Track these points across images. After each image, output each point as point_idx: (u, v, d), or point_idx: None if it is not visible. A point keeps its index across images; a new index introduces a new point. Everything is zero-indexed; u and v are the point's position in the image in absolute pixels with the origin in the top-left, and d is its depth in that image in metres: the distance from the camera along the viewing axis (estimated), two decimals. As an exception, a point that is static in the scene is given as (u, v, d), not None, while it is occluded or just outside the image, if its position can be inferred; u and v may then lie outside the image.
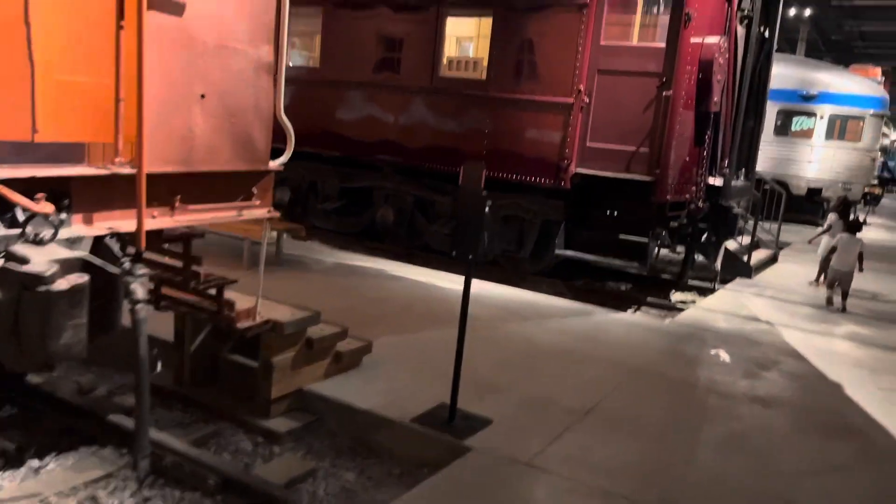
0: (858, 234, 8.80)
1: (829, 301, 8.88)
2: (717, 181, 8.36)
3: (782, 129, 20.02)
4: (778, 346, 7.12)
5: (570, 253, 8.49)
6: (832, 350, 7.18)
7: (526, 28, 8.39)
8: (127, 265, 3.12)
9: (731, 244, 10.79)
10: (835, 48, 37.56)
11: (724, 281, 10.74)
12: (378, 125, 9.62)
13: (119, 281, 3.17)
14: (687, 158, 7.98)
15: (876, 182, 20.48)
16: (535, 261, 9.36)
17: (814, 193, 19.75)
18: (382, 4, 9.30)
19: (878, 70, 22.94)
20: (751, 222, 11.58)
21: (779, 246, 13.31)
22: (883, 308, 9.49)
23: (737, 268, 10.87)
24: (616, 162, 8.06)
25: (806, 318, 8.50)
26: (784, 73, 20.04)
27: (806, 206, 20.21)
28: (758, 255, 12.12)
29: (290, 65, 10.02)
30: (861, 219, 22.06)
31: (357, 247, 10.80)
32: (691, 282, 10.22)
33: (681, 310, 8.60)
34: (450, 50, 9.18)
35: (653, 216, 8.01)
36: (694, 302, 9.58)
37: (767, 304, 9.15)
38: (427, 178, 9.65)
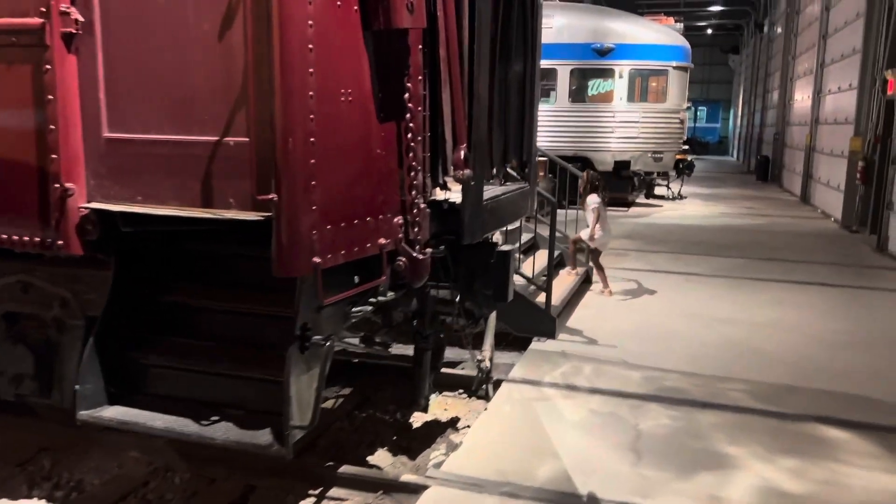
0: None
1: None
2: (451, 194, 3.69)
3: (578, 93, 16.36)
4: None
5: (106, 415, 3.38)
6: None
7: None
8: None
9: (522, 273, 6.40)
10: (617, 3, 35.76)
11: (523, 336, 6.36)
12: None
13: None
14: (367, 153, 3.18)
15: (686, 147, 17.50)
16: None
17: (621, 167, 16.34)
18: None
19: (672, 19, 20.14)
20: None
21: (588, 252, 9.16)
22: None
23: (536, 323, 6.45)
24: (175, 175, 3.07)
25: (667, 459, 4.10)
26: (573, 24, 16.35)
27: (614, 182, 16.77)
28: (563, 283, 7.84)
29: None
30: (676, 192, 19.22)
31: None
32: (456, 372, 5.63)
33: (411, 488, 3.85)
34: None
35: (297, 305, 3.12)
36: (445, 435, 4.89)
37: (589, 423, 4.64)
38: None
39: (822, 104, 17.75)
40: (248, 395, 3.40)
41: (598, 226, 7.87)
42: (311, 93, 2.82)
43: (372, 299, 3.52)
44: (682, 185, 18.70)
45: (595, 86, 16.28)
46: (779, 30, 26.87)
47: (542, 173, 12.65)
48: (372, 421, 5.00)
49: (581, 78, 16.22)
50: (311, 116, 2.83)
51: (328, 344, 3.19)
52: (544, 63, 16.82)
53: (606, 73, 15.94)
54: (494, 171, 4.79)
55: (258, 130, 2.83)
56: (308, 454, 4.55)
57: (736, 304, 7.67)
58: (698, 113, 50.41)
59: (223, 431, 3.20)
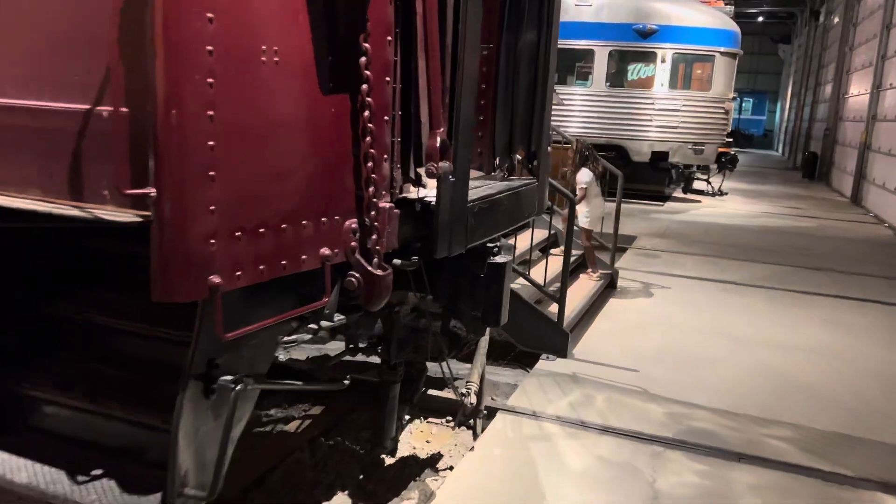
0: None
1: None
2: (425, 191, 2.86)
3: (616, 77, 15.31)
4: None
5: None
6: None
7: None
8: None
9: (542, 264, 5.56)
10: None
11: (530, 350, 5.54)
12: None
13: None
14: (302, 134, 2.37)
15: (730, 140, 16.32)
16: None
17: (659, 159, 15.28)
18: None
19: (721, 2, 18.82)
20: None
21: (614, 254, 8.22)
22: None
23: (545, 338, 5.61)
24: (37, 156, 2.30)
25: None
26: (613, 2, 15.20)
27: (651, 174, 15.75)
28: (581, 290, 6.96)
29: None
30: (717, 188, 18.02)
31: None
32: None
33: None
34: None
35: (197, 334, 2.34)
36: None
37: (595, 475, 3.78)
38: None
39: (881, 99, 16.39)
40: (146, 441, 2.64)
41: (584, 204, 7.22)
42: (208, 47, 2.00)
43: (313, 325, 2.72)
44: (723, 181, 17.52)
45: (635, 70, 15.22)
46: (836, 19, 25.24)
47: (570, 163, 11.73)
48: (338, 452, 4.23)
49: (620, 61, 15.17)
50: (210, 80, 2.01)
51: (239, 388, 2.39)
52: (581, 43, 15.76)
53: (648, 57, 14.87)
54: (497, 162, 3.99)
55: (129, 98, 2.03)
56: (256, 492, 3.80)
57: (780, 323, 6.72)
58: (744, 104, 48.51)
59: (99, 494, 2.44)
